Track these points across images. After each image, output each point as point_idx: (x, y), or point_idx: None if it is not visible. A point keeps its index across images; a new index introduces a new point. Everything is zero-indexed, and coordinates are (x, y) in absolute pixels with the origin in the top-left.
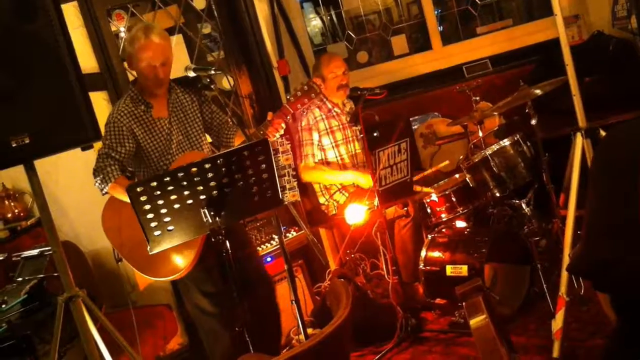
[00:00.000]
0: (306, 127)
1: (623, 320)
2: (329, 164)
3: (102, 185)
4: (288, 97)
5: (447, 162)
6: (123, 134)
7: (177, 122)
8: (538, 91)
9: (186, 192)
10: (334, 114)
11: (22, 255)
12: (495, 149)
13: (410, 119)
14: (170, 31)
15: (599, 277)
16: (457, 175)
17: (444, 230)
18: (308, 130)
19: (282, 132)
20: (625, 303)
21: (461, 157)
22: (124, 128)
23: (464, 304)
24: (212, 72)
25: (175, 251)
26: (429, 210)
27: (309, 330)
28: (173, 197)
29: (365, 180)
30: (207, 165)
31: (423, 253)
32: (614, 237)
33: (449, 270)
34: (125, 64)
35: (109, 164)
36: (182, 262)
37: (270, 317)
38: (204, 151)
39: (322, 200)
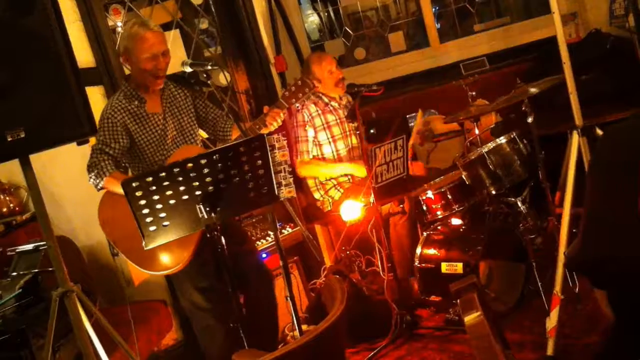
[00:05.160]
0: (301, 123)
1: (620, 317)
2: (325, 159)
3: (97, 181)
4: (283, 91)
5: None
6: (116, 130)
7: (171, 117)
8: (534, 89)
9: (182, 188)
10: (331, 108)
11: (17, 250)
12: (492, 146)
13: (407, 116)
14: (168, 26)
15: (598, 273)
16: (452, 173)
17: (439, 227)
18: (303, 127)
19: (280, 122)
20: (623, 299)
21: (457, 154)
22: (117, 124)
23: (458, 300)
24: (209, 67)
25: (172, 245)
26: (424, 208)
27: (304, 327)
28: (169, 192)
29: (360, 171)
30: (203, 161)
31: (418, 250)
32: (613, 234)
33: (444, 267)
34: (122, 59)
35: (103, 159)
36: (178, 256)
37: (267, 312)
38: (198, 146)
39: (317, 195)
